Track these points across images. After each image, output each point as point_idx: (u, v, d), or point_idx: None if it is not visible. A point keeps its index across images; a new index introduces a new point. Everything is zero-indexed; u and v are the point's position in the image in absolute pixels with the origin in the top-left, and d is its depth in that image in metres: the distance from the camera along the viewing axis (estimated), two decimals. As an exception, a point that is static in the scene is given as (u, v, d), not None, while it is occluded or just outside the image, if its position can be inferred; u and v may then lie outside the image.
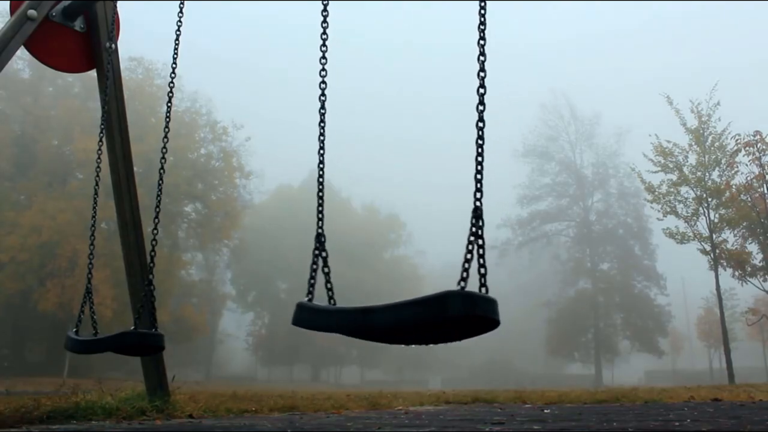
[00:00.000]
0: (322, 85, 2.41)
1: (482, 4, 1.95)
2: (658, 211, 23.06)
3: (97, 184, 4.13)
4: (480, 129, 1.84)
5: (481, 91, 1.87)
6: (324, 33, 2.46)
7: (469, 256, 1.66)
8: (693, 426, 3.29)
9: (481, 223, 1.71)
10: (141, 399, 4.53)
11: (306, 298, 2.00)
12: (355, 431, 3.34)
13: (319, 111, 2.40)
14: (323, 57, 2.43)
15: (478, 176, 1.78)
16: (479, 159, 1.81)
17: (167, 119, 3.73)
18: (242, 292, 55.84)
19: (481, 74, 1.89)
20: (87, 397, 4.48)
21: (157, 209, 3.60)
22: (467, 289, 1.62)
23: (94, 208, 4.05)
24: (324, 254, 2.14)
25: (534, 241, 50.32)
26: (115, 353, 3.49)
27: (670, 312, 48.20)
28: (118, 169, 4.72)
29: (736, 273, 22.28)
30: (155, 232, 3.52)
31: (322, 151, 2.40)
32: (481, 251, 1.68)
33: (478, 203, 1.74)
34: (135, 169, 4.92)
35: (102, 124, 4.37)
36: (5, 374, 25.69)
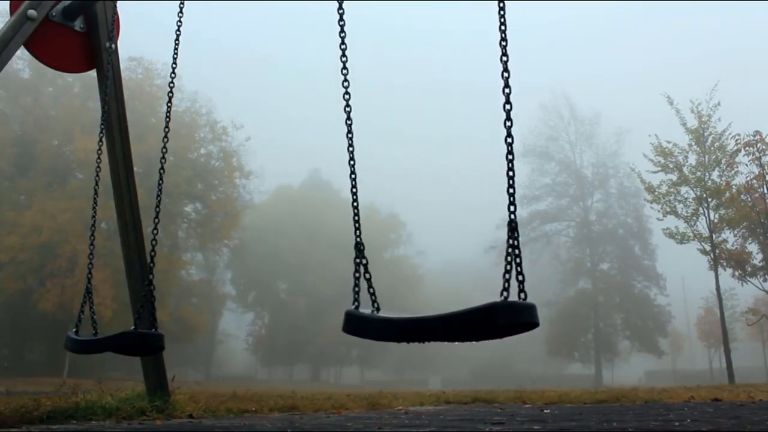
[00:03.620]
0: (346, 96, 2.37)
1: (501, 4, 1.94)
2: (658, 211, 23.08)
3: (97, 184, 4.13)
4: (509, 145, 1.87)
5: (508, 107, 1.88)
6: (342, 31, 2.41)
7: (509, 267, 1.76)
8: (693, 426, 3.29)
9: (516, 235, 1.80)
10: (141, 399, 4.52)
11: (353, 306, 2.06)
12: (355, 431, 3.34)
13: (346, 122, 2.37)
14: (344, 67, 2.39)
15: (510, 190, 1.82)
16: (510, 174, 1.85)
17: (167, 119, 3.73)
18: (242, 292, 55.82)
19: (506, 90, 1.91)
20: (87, 397, 4.48)
21: (157, 209, 3.60)
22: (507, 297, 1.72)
23: (94, 208, 4.05)
24: (365, 261, 2.16)
25: (534, 241, 50.27)
26: (115, 353, 3.49)
27: (670, 312, 48.20)
28: (118, 169, 4.71)
29: (736, 273, 22.29)
30: (155, 232, 3.52)
31: (352, 162, 2.36)
32: (518, 260, 1.78)
33: (512, 216, 1.82)
34: (135, 169, 4.91)
35: (102, 124, 4.37)
36: (5, 374, 25.69)
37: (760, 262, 22.22)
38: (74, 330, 3.65)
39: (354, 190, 2.33)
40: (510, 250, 1.78)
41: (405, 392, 11.69)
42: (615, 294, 47.71)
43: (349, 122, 2.37)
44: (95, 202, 4.07)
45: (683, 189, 22.64)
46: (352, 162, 2.36)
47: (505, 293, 1.72)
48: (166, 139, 3.66)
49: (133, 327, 3.59)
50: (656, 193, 23.06)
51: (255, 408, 5.29)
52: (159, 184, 3.65)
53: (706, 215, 22.14)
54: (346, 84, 2.38)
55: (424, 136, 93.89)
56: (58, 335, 28.51)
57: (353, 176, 2.35)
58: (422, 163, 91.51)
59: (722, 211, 22.23)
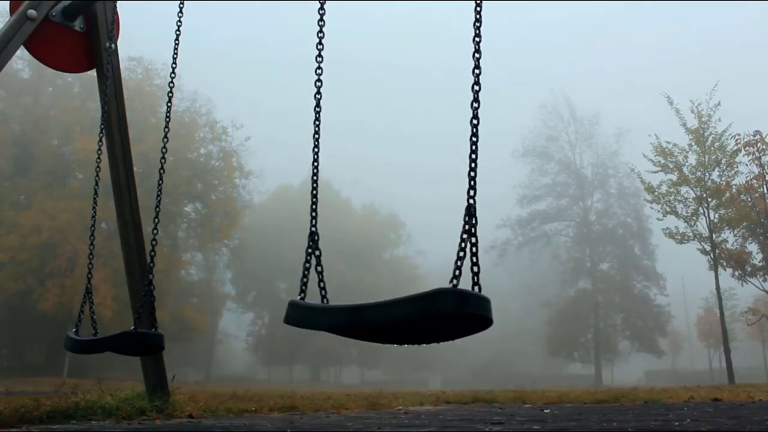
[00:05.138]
0: (318, 83, 2.39)
1: (478, 2, 1.95)
2: (658, 211, 23.08)
3: (97, 184, 4.14)
4: (474, 126, 1.83)
5: (476, 88, 1.86)
6: (320, 31, 2.45)
7: (462, 254, 1.65)
8: (693, 426, 3.29)
9: (474, 221, 1.70)
10: (141, 399, 4.52)
11: (298, 297, 2.00)
12: (355, 431, 3.34)
13: (314, 109, 2.38)
14: (319, 55, 2.42)
15: (472, 173, 1.77)
16: (473, 156, 1.80)
17: (167, 119, 3.74)
18: (242, 292, 55.81)
19: (476, 71, 1.88)
20: (87, 397, 4.48)
21: (157, 209, 3.61)
22: (460, 287, 1.60)
23: (94, 208, 4.05)
24: (317, 253, 2.12)
25: (534, 241, 50.30)
26: (115, 353, 3.50)
27: (670, 312, 48.20)
28: (118, 169, 4.72)
29: (736, 273, 22.28)
30: (155, 232, 3.52)
31: (316, 150, 2.38)
32: (474, 249, 1.67)
33: (471, 201, 1.72)
34: (135, 169, 4.92)
35: (102, 124, 4.38)
36: (5, 374, 25.69)
37: (760, 262, 22.21)
38: (74, 330, 3.66)
39: (315, 178, 2.33)
40: (465, 236, 1.66)
41: (405, 392, 11.69)
42: (615, 294, 47.71)
43: (318, 110, 2.38)
44: (95, 202, 4.08)
45: (683, 189, 22.65)
46: (315, 150, 2.38)
47: (454, 281, 1.61)
48: (166, 139, 3.67)
49: (133, 327, 3.60)
50: (656, 193, 23.06)
51: (255, 408, 5.29)
52: (159, 184, 3.66)
53: (706, 215, 22.15)
54: (319, 72, 2.40)
55: (424, 136, 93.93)
56: (58, 335, 28.50)
57: (315, 164, 2.36)
58: (422, 163, 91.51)
59: (722, 211, 22.22)
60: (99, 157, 4.11)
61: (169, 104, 3.85)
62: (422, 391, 13.10)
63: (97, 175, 4.13)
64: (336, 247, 47.48)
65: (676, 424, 3.46)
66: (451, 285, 1.60)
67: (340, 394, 10.81)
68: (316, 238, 2.14)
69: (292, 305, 1.94)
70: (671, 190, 22.76)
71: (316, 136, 2.38)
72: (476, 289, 1.63)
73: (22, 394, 10.14)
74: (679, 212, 22.51)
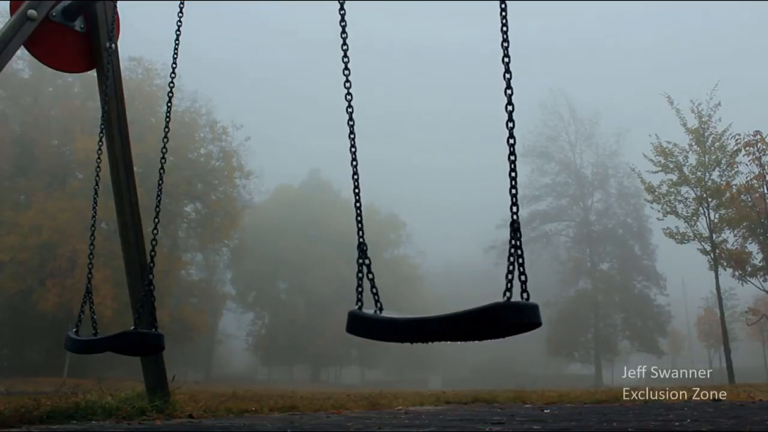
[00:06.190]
0: (348, 97, 2.39)
1: (503, 5, 1.95)
2: (658, 211, 23.10)
3: (97, 184, 4.14)
4: (511, 145, 1.88)
5: (510, 108, 1.90)
6: (344, 44, 2.42)
7: (511, 267, 1.79)
8: (693, 426, 3.29)
9: (519, 236, 1.82)
10: (141, 399, 4.53)
11: (356, 306, 2.08)
12: (355, 431, 3.34)
13: (348, 123, 2.38)
14: (346, 68, 2.41)
15: (513, 191, 1.83)
16: (512, 174, 1.85)
17: (167, 119, 3.74)
18: (242, 292, 55.76)
19: (508, 91, 1.95)
20: (87, 397, 4.48)
21: (157, 209, 3.61)
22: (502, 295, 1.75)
23: (94, 208, 4.06)
24: (367, 262, 2.18)
25: (534, 241, 50.21)
26: (115, 353, 3.50)
27: (670, 312, 48.17)
28: (118, 169, 4.72)
29: (736, 273, 22.28)
30: (155, 232, 3.52)
31: (355, 163, 2.38)
32: (520, 260, 1.80)
33: (515, 216, 1.85)
34: (135, 169, 4.92)
35: (102, 124, 4.38)
36: (5, 374, 25.69)
37: (760, 262, 22.21)
38: (74, 330, 3.66)
39: (356, 191, 2.36)
40: (512, 250, 1.80)
41: (405, 392, 11.69)
42: (615, 294, 47.69)
43: (351, 123, 2.38)
44: (95, 202, 4.08)
45: (683, 189, 22.68)
46: (354, 163, 2.38)
47: (507, 293, 1.74)
48: (166, 139, 3.67)
49: (133, 327, 3.60)
50: (656, 193, 23.08)
51: (255, 408, 5.29)
52: (159, 184, 3.66)
53: (706, 215, 22.16)
54: (347, 85, 2.39)
55: (424, 135, 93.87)
56: (58, 335, 28.49)
57: (356, 177, 2.37)
58: (422, 163, 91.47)
59: (722, 211, 22.23)
60: (99, 157, 4.11)
61: (169, 104, 3.85)
62: (422, 391, 13.10)
63: (97, 175, 4.13)
64: (337, 247, 47.44)
65: (676, 424, 3.46)
66: (505, 298, 1.74)
67: (340, 394, 10.81)
68: (364, 248, 2.21)
69: (354, 316, 2.04)
70: (671, 190, 22.79)
71: (353, 149, 2.39)
72: (524, 296, 1.78)
73: (22, 394, 10.14)
74: (680, 212, 22.54)
